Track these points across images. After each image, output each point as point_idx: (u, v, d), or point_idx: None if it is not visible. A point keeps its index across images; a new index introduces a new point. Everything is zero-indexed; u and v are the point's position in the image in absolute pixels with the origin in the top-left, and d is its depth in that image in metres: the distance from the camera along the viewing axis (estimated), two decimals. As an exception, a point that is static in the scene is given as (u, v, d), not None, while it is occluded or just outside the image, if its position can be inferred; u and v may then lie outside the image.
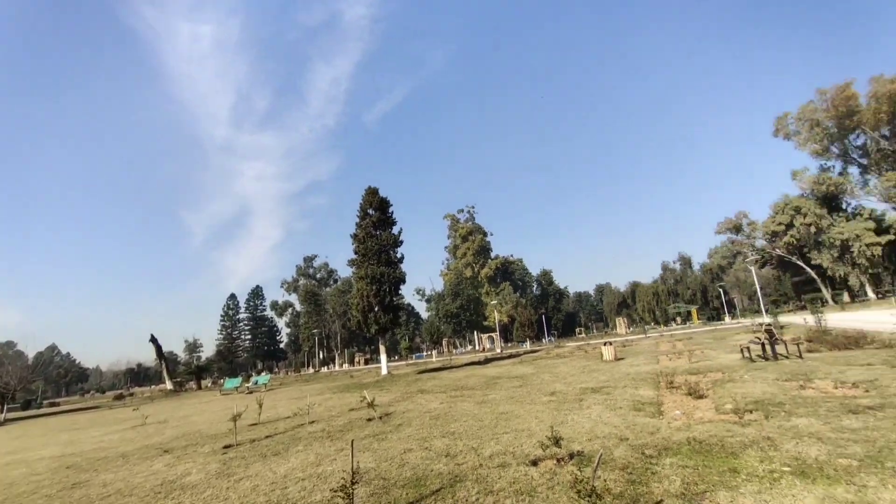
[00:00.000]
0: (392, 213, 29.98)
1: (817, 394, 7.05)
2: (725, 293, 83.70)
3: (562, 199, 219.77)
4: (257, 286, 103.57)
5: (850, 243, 46.99)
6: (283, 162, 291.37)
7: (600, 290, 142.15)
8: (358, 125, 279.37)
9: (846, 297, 51.36)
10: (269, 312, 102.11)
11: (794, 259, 54.58)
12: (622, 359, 17.78)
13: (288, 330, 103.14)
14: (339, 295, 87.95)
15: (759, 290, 42.08)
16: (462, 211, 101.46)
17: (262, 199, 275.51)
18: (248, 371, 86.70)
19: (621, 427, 6.31)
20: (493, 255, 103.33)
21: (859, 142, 47.94)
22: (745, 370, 10.31)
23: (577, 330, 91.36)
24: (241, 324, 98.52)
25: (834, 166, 51.23)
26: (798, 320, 26.28)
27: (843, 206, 51.76)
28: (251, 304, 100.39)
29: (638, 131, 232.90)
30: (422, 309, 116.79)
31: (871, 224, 46.69)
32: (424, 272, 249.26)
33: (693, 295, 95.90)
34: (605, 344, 17.81)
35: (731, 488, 3.76)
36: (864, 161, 48.16)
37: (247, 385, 33.26)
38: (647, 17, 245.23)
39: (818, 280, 53.51)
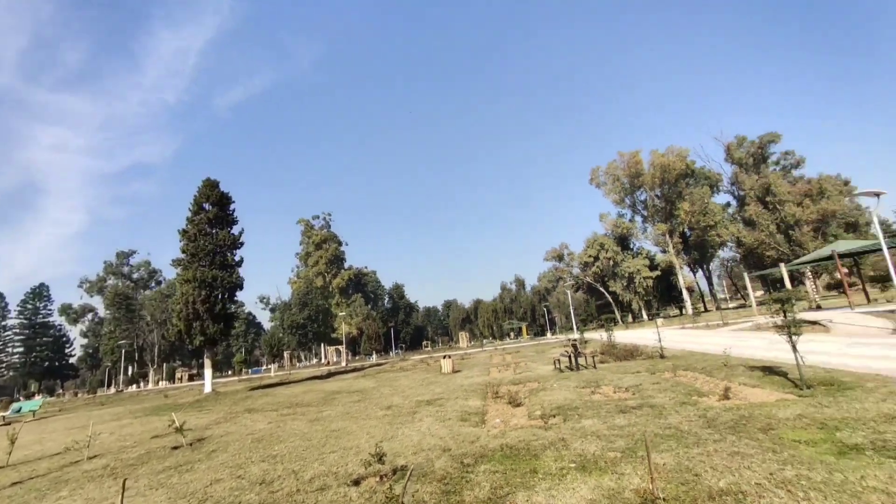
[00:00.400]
0: (233, 211, 26.89)
1: (602, 398, 8.54)
2: (549, 312, 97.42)
3: (419, 216, 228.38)
4: (41, 284, 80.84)
5: (633, 276, 59.78)
6: (99, 134, 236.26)
7: (448, 305, 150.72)
8: (205, 108, 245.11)
9: (630, 317, 65.00)
10: (58, 318, 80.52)
11: (597, 286, 66.78)
12: (459, 371, 18.94)
13: (85, 340, 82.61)
14: (162, 300, 74.27)
15: (572, 310, 49.99)
16: (317, 217, 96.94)
17: (60, 174, 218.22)
18: (13, 394, 66.34)
19: (447, 438, 6.61)
20: (346, 265, 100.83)
21: (642, 197, 61.92)
22: (555, 379, 11.97)
23: (424, 343, 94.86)
24: (9, 333, 75.40)
25: (626, 214, 65.04)
26: (597, 336, 32.01)
27: (631, 246, 65.87)
28: (29, 306, 77.63)
29: (486, 159, 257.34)
30: (266, 319, 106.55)
31: (647, 262, 60.40)
32: (271, 279, 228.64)
33: (524, 313, 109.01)
34: (444, 357, 18.77)
35: (528, 488, 4.20)
36: (645, 213, 62.32)
37: (2, 415, 25.04)
38: (508, 28, 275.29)
39: (613, 304, 66.46)
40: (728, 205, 60.66)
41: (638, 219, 64.26)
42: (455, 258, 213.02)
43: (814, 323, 17.01)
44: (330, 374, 29.88)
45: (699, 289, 74.56)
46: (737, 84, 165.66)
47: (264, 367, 67.94)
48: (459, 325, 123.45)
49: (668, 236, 58.37)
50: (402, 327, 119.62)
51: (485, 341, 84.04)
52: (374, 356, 59.81)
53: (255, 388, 25.13)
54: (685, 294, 61.05)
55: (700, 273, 68.87)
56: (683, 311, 61.08)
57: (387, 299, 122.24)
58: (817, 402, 5.94)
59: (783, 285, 28.39)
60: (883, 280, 35.53)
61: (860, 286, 28.99)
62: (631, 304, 64.10)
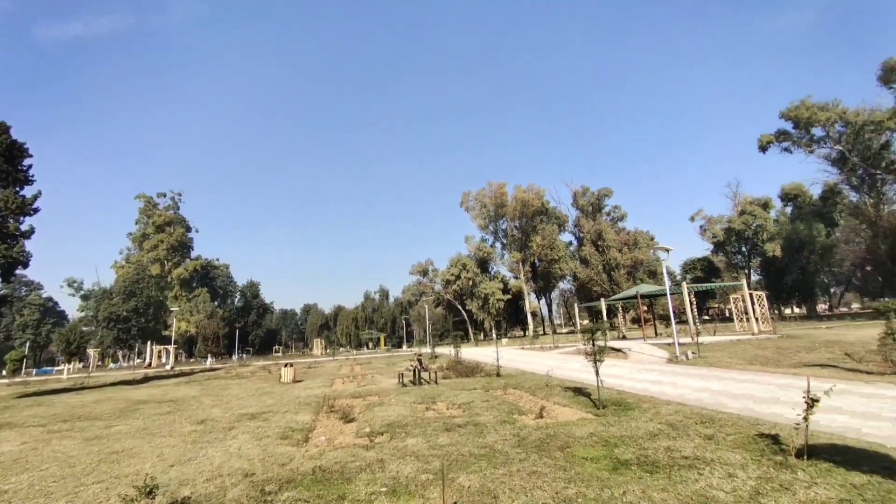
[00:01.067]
0: (30, 168, 21.17)
1: (435, 415, 8.64)
2: (409, 325, 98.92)
3: (287, 213, 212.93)
4: None
5: (488, 297, 64.75)
6: None
7: (307, 310, 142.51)
8: (20, 35, 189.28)
9: (482, 335, 69.99)
10: None
11: (456, 303, 70.49)
12: (301, 381, 17.63)
13: None
14: None
15: (429, 325, 51.53)
16: (163, 195, 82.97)
17: None
18: None
19: (255, 461, 5.82)
20: (193, 254, 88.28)
21: (504, 226, 68.09)
22: (396, 394, 11.84)
23: (276, 348, 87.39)
24: None
25: (489, 239, 70.63)
26: (447, 351, 33.38)
27: (490, 270, 71.55)
28: None
29: (366, 167, 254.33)
30: (74, 307, 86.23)
31: (501, 285, 66.20)
32: (87, 260, 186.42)
33: (385, 324, 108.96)
34: (286, 365, 17.30)
35: (327, 520, 3.81)
36: (505, 241, 68.53)
37: None
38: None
39: (468, 321, 70.82)
40: (570, 243, 70.30)
41: (498, 245, 70.23)
42: (323, 261, 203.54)
43: (618, 350, 20.32)
44: (146, 379, 25.19)
45: (541, 314, 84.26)
46: (588, 143, 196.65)
47: (56, 368, 54.25)
48: (317, 332, 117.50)
49: (521, 264, 64.87)
50: (252, 329, 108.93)
51: (341, 350, 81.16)
52: (211, 360, 52.70)
53: (29, 394, 19.68)
54: (529, 318, 68.28)
55: (543, 300, 78.06)
56: (526, 333, 68.17)
57: (238, 297, 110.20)
58: (606, 422, 6.84)
59: (604, 317, 33.79)
60: (667, 318, 44.99)
61: (653, 322, 36.08)
62: (483, 323, 69.07)
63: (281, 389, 15.09)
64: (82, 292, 77.28)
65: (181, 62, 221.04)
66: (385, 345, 79.42)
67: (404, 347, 69.83)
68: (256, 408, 10.96)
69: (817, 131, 42.40)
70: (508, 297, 66.24)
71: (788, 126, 43.37)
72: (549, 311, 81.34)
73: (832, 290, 71.77)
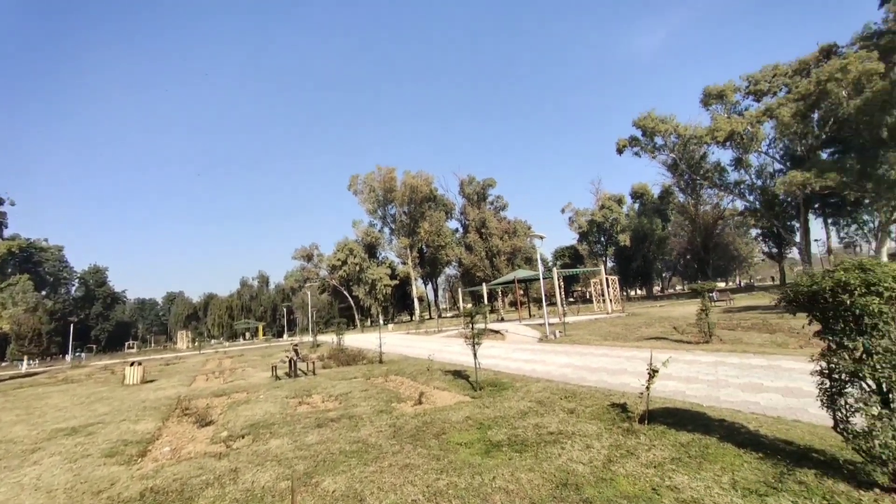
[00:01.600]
0: None
1: (308, 409, 7.96)
2: (292, 312, 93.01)
3: (144, 185, 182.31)
4: None
5: (376, 283, 63.89)
6: None
7: (171, 298, 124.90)
8: None
9: (369, 322, 68.92)
10: None
11: (342, 289, 68.20)
12: (153, 381, 15.12)
13: None
14: None
15: (311, 312, 48.94)
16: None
17: None
18: None
19: (60, 491, 4.60)
20: (5, 233, 71.18)
21: (392, 212, 67.53)
22: (267, 389, 10.76)
23: (128, 344, 74.70)
24: None
25: (377, 224, 69.44)
26: (330, 339, 32.01)
27: (378, 255, 70.53)
28: None
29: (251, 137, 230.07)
30: None
31: (389, 271, 65.80)
32: None
33: (265, 312, 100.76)
34: (132, 364, 14.61)
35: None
36: (393, 226, 68.04)
37: None
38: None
39: (354, 308, 69.06)
40: (457, 230, 72.72)
41: (386, 230, 69.48)
42: (192, 246, 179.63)
43: (496, 332, 21.55)
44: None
45: (428, 299, 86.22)
46: (472, 134, 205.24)
47: None
48: (183, 323, 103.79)
49: (409, 250, 65.17)
50: (96, 323, 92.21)
51: (212, 342, 73.16)
52: (28, 363, 42.75)
53: None
54: (416, 303, 69.30)
55: (430, 286, 79.88)
56: (413, 318, 69.07)
57: (76, 286, 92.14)
58: (482, 403, 6.98)
59: (485, 300, 35.73)
60: (541, 301, 49.69)
61: (527, 305, 39.35)
62: (371, 309, 68.14)
63: (123, 393, 12.71)
64: None
65: None
66: (263, 335, 73.45)
67: (285, 337, 65.48)
68: (82, 419, 8.96)
69: (659, 140, 50.11)
70: (396, 282, 66.23)
71: (638, 133, 50.44)
72: (436, 296, 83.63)
73: (664, 275, 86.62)
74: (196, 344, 54.33)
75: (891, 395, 3.15)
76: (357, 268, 63.44)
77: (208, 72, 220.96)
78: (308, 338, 38.24)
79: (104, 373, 21.45)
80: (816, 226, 50.20)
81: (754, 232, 61.48)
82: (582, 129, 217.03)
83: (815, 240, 48.06)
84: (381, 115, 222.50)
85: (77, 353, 56.43)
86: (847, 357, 3.27)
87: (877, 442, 3.08)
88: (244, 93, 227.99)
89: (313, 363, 12.88)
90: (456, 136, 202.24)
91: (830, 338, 3.41)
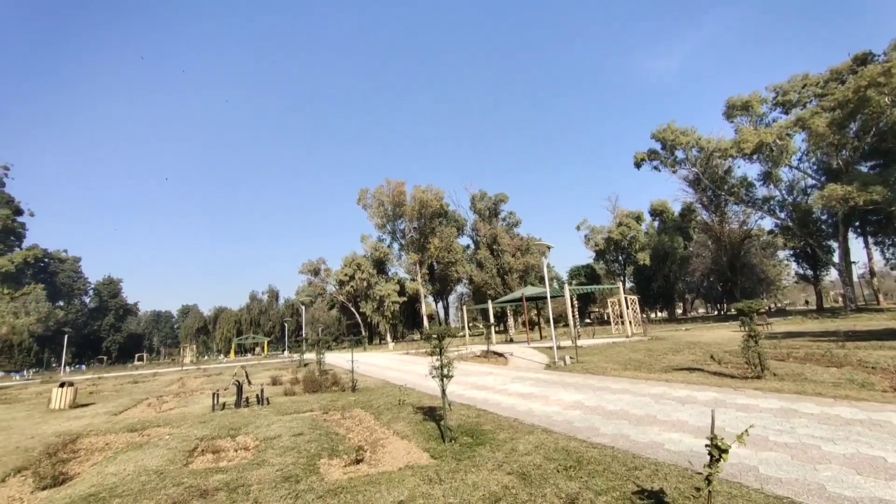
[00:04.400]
0: None
1: (204, 463, 5.72)
2: (300, 328, 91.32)
3: (161, 198, 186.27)
4: None
5: (384, 299, 61.71)
6: None
7: (185, 311, 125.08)
8: None
9: (378, 340, 66.53)
10: None
11: (349, 305, 66.23)
12: (87, 404, 13.08)
13: None
14: None
15: (304, 329, 46.82)
16: (-19, 166, 66.07)
17: None
18: None
19: None
20: (25, 243, 72.38)
21: (402, 226, 65.75)
22: (193, 423, 8.49)
23: (137, 356, 73.82)
24: None
25: (386, 239, 67.67)
26: (331, 358, 29.77)
27: (386, 271, 68.54)
28: None
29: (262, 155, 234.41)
30: None
31: (397, 287, 63.56)
32: None
33: (273, 327, 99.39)
34: (60, 385, 12.59)
35: None
36: (402, 241, 66.19)
37: None
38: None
39: (362, 324, 66.89)
40: (468, 247, 70.48)
41: (395, 246, 67.65)
42: (207, 259, 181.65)
43: (500, 355, 19.07)
44: None
45: (439, 317, 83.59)
46: (487, 149, 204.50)
47: None
48: (193, 336, 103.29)
49: (418, 266, 63.07)
50: (108, 334, 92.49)
51: (220, 357, 71.97)
52: (22, 374, 41.56)
53: None
54: (426, 321, 66.75)
55: (441, 303, 77.31)
56: (422, 337, 66.48)
57: (91, 296, 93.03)
58: (439, 471, 4.65)
59: (496, 320, 33.16)
60: (555, 322, 46.75)
61: (538, 325, 36.59)
62: (378, 327, 65.87)
63: (27, 423, 10.61)
64: None
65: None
66: (268, 350, 71.75)
67: (285, 353, 63.55)
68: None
69: (679, 153, 47.47)
70: (405, 299, 63.98)
71: (657, 146, 47.93)
72: (447, 314, 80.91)
73: (686, 297, 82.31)
74: (208, 358, 52.65)
75: None
76: (365, 283, 61.54)
77: (209, 78, 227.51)
78: (310, 355, 36.06)
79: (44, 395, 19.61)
80: (856, 246, 46.47)
81: (782, 254, 57.65)
82: (598, 147, 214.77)
83: (854, 262, 44.34)
84: (397, 130, 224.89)
85: (77, 365, 55.41)
86: None
87: None
88: (260, 108, 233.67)
89: (262, 389, 10.64)
90: (468, 153, 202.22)
91: None
